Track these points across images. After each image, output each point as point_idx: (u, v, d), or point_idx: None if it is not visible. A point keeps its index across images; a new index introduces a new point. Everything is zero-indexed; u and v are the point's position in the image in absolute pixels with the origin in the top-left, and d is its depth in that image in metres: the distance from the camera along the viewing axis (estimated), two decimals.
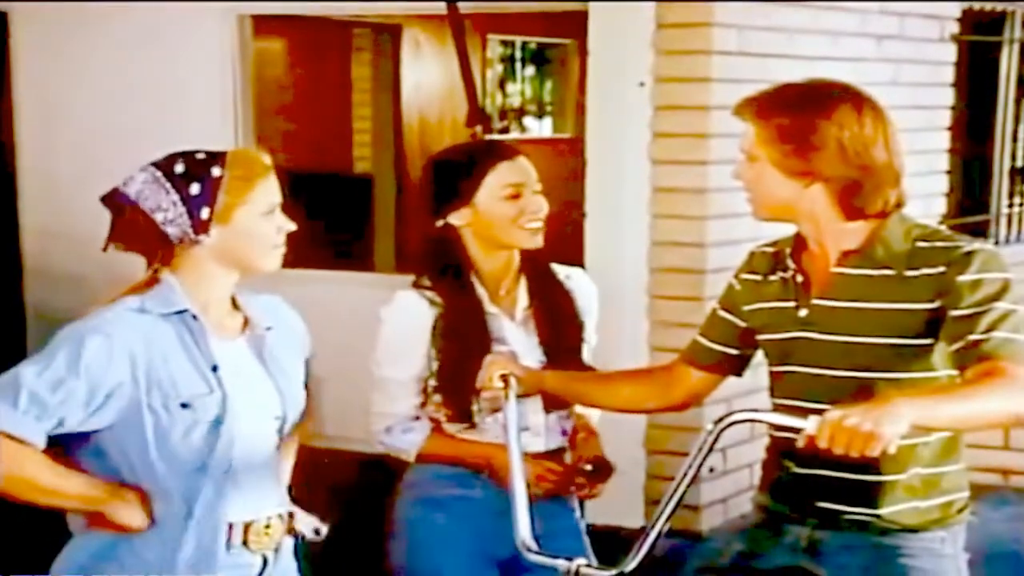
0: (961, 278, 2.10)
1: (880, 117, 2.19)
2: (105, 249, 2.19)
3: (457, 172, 2.53)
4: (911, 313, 2.13)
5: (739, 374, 2.44)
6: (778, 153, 2.18)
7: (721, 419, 1.95)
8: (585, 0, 4.73)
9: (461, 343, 2.49)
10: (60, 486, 2.09)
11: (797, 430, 1.90)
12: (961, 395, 2.01)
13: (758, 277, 2.33)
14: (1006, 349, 2.04)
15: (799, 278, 2.26)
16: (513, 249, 2.55)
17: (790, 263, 2.28)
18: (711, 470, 4.68)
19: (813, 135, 2.15)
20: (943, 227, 2.24)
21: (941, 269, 2.12)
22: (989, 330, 2.05)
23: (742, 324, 2.36)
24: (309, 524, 2.32)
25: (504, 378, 2.36)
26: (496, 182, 2.49)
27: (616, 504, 4.39)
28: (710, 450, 1.98)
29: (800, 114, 2.17)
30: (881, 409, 1.86)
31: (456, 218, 2.52)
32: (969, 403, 1.98)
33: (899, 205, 2.21)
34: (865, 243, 2.19)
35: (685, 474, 1.97)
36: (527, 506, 2.13)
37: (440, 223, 2.54)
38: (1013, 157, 6.93)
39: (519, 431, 2.27)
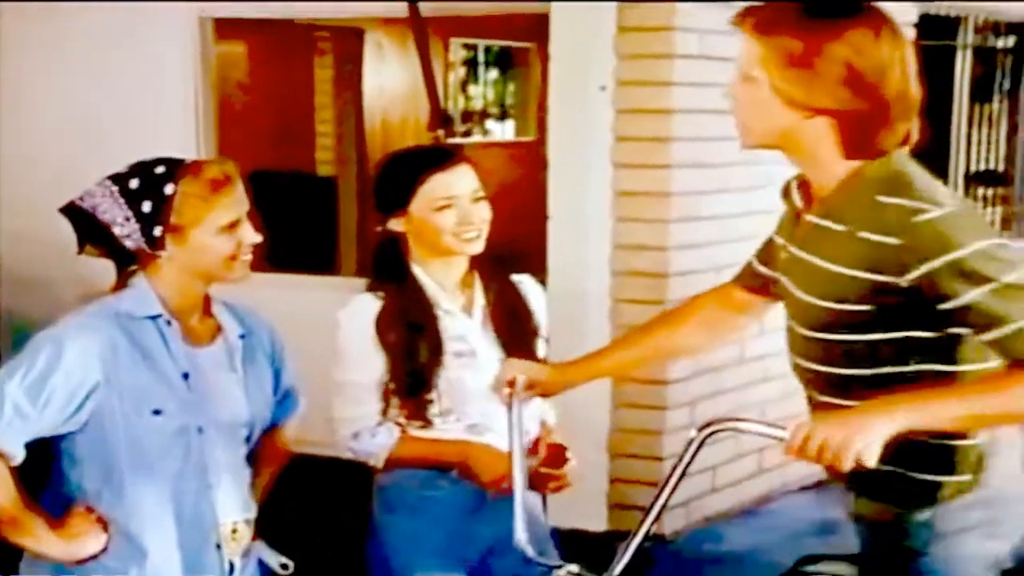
0: (934, 263, 1.83)
1: (898, 37, 1.93)
2: (80, 253, 2.19)
3: (393, 181, 2.56)
4: (859, 281, 1.91)
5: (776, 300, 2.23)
6: (779, 78, 1.91)
7: (704, 427, 1.94)
8: (546, 0, 4.74)
9: (407, 340, 2.49)
10: (19, 517, 2.06)
11: (778, 439, 1.87)
12: (983, 392, 1.87)
13: (784, 203, 2.14)
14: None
15: (793, 217, 2.06)
16: (453, 255, 2.56)
17: (796, 196, 2.07)
18: None
19: (826, 61, 1.87)
20: (918, 177, 1.94)
21: (897, 241, 1.86)
22: (1009, 321, 1.81)
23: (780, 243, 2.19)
24: (275, 558, 2.32)
25: (510, 382, 2.36)
26: (429, 193, 2.50)
27: (579, 507, 4.40)
28: (693, 457, 1.96)
29: (808, 34, 1.89)
30: (856, 420, 1.81)
31: (395, 224, 2.55)
32: (991, 400, 1.85)
33: (906, 143, 1.96)
34: (835, 190, 1.95)
35: (668, 480, 1.96)
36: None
37: (380, 228, 2.58)
38: (968, 162, 7.02)
39: (518, 438, 2.27)
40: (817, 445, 1.80)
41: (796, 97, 1.91)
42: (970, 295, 1.83)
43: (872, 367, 1.99)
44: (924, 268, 1.85)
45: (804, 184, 2.07)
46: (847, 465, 1.79)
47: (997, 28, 7.03)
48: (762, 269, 2.27)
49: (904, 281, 1.88)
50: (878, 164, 1.95)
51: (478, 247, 2.54)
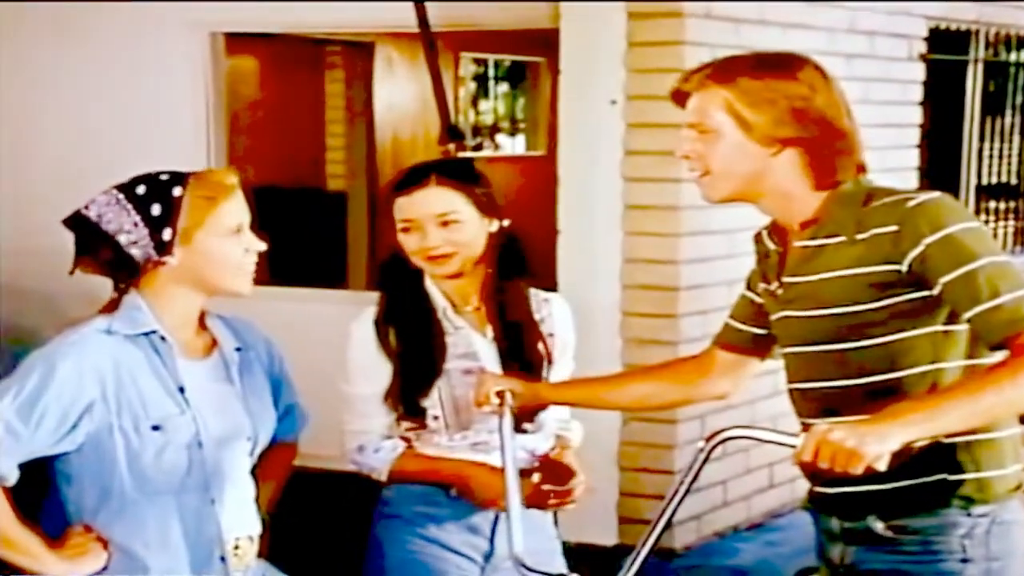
0: (928, 239, 1.97)
1: (837, 86, 2.12)
2: (72, 272, 2.18)
3: (383, 201, 2.62)
4: (866, 277, 2.03)
5: (763, 357, 2.38)
6: (747, 118, 2.08)
7: (713, 436, 1.94)
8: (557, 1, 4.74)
9: (407, 348, 2.50)
10: (15, 537, 2.06)
11: (789, 446, 1.89)
12: (988, 388, 1.90)
13: (759, 257, 2.28)
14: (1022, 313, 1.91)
15: (776, 257, 2.19)
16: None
17: (768, 242, 2.22)
18: None
19: (786, 96, 2.07)
20: (888, 188, 2.11)
21: (893, 228, 2.00)
22: (992, 296, 1.93)
23: (759, 301, 2.30)
24: None
25: (500, 394, 2.36)
26: (395, 215, 2.55)
27: (589, 521, 4.40)
28: (702, 467, 1.97)
29: (768, 75, 2.09)
30: (869, 427, 1.84)
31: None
32: (1001, 393, 1.88)
33: (860, 171, 2.14)
34: (818, 212, 2.11)
35: (677, 491, 1.97)
36: (518, 521, 2.13)
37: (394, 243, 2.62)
38: (979, 175, 7.00)
39: (509, 450, 2.26)
40: (830, 450, 1.82)
41: (765, 131, 2.08)
42: (959, 271, 1.95)
43: (885, 372, 2.05)
44: (920, 247, 1.98)
45: (776, 229, 2.21)
46: (860, 467, 1.81)
47: (1008, 42, 7.03)
48: (742, 326, 2.37)
49: (904, 265, 2.00)
50: (851, 185, 2.11)
51: (446, 270, 2.53)
